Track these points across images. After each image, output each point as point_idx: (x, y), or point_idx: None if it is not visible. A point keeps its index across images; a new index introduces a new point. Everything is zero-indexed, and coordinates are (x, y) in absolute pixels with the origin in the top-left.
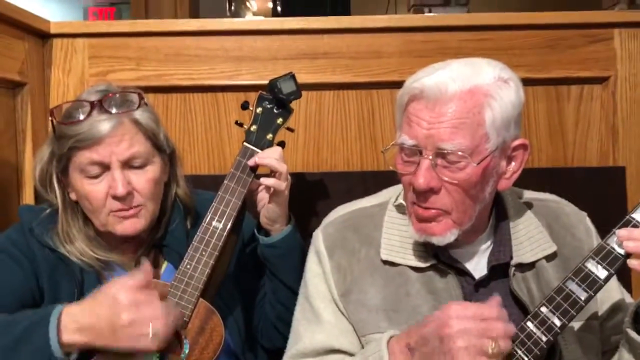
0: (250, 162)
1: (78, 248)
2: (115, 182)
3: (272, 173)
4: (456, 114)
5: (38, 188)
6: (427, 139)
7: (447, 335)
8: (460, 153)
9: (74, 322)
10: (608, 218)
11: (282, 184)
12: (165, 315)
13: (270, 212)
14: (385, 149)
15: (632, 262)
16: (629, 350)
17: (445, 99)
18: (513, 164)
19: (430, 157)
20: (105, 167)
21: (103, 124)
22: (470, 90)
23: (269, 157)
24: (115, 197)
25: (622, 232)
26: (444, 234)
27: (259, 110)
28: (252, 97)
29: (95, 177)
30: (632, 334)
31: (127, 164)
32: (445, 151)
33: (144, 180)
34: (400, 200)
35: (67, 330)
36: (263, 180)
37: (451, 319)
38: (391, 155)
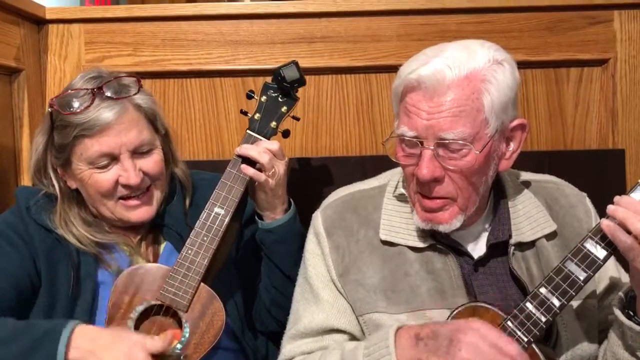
0: (236, 152)
1: (76, 234)
2: (128, 172)
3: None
4: (455, 102)
5: (33, 179)
6: (428, 130)
7: (457, 340)
8: (461, 141)
9: (87, 339)
10: (607, 201)
11: (262, 176)
12: None
13: (258, 200)
14: (385, 140)
15: (604, 222)
16: (616, 329)
17: (443, 88)
18: (512, 144)
19: (432, 148)
20: (114, 158)
21: (107, 111)
22: (467, 77)
23: (251, 148)
24: (125, 186)
25: (611, 207)
26: (450, 222)
27: (263, 98)
28: (249, 82)
29: (104, 167)
30: (617, 312)
31: (134, 152)
32: (447, 140)
33: (152, 162)
34: (401, 190)
35: (76, 345)
36: (242, 168)
37: (470, 329)
38: (391, 145)
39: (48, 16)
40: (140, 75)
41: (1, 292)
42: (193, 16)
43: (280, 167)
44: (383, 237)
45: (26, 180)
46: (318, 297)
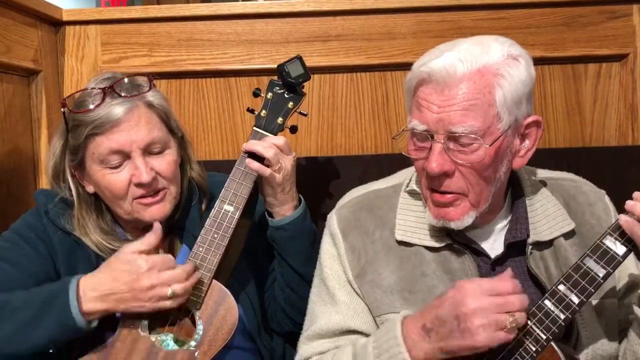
0: (243, 148)
1: (94, 240)
2: (139, 169)
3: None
4: (466, 95)
5: (51, 183)
6: (438, 123)
7: (463, 314)
8: (472, 135)
9: (93, 290)
10: (627, 198)
11: (267, 170)
12: (184, 276)
13: (266, 196)
14: (395, 135)
15: (622, 218)
16: (636, 328)
17: (454, 81)
18: (527, 141)
19: (442, 141)
20: (126, 156)
21: (117, 108)
22: (479, 70)
23: (257, 143)
24: (139, 185)
25: (630, 202)
26: (462, 218)
27: (269, 95)
28: (265, 81)
29: (116, 166)
30: (638, 310)
31: (146, 151)
32: (457, 134)
33: (165, 163)
34: (413, 186)
35: (87, 298)
36: (247, 162)
37: (467, 297)
38: (403, 141)
39: (65, 18)
40: (156, 76)
41: (23, 289)
42: (208, 16)
43: (287, 162)
44: (399, 238)
45: (44, 181)
46: (334, 298)
